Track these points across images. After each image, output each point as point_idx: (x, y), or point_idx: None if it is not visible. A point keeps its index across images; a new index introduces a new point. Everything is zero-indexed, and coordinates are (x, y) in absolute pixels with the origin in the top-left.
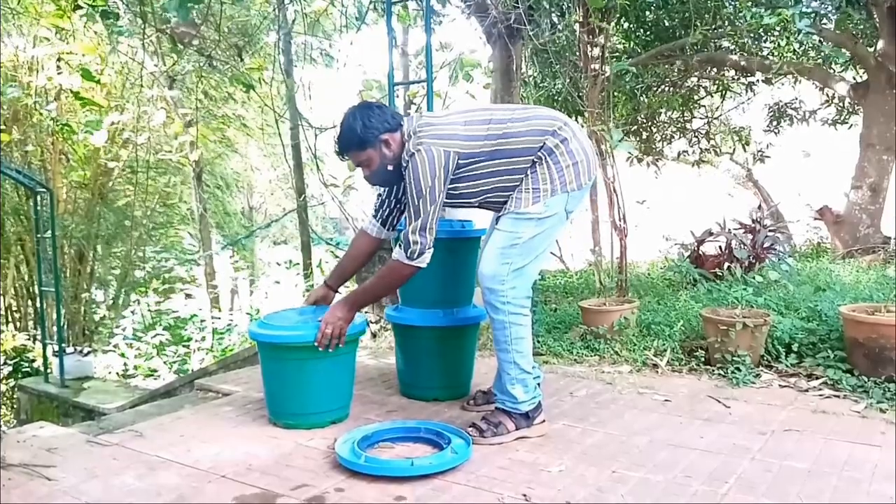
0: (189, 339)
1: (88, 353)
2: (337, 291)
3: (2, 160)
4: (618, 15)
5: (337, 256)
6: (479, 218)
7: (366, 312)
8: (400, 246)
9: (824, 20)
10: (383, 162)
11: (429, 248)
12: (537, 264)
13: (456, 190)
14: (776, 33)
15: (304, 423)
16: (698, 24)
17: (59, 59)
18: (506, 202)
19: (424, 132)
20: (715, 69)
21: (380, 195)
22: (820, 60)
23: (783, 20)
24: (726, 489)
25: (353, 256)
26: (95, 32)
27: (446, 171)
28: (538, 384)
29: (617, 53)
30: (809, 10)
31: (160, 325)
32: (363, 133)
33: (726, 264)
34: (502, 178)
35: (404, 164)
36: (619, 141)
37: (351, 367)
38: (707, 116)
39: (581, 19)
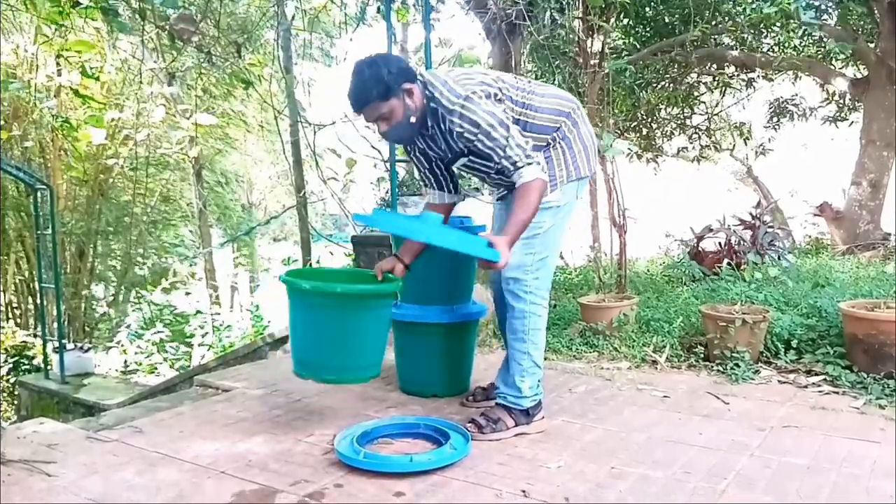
0: (191, 336)
1: (89, 349)
2: (407, 267)
3: (2, 157)
4: (617, 11)
5: (332, 253)
6: (479, 214)
7: None
8: (527, 167)
9: (825, 16)
10: (407, 113)
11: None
12: (556, 257)
13: (482, 156)
14: (777, 29)
15: (346, 377)
16: (698, 21)
17: (58, 56)
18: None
19: (465, 80)
20: (715, 65)
21: (425, 169)
22: (821, 56)
23: (783, 10)
24: (725, 485)
25: None
26: (96, 29)
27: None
28: (538, 381)
29: (617, 50)
30: (811, 3)
31: (160, 321)
32: (389, 79)
33: (726, 260)
34: None
35: (452, 116)
36: (610, 145)
37: (388, 321)
38: (707, 113)
39: (580, 16)
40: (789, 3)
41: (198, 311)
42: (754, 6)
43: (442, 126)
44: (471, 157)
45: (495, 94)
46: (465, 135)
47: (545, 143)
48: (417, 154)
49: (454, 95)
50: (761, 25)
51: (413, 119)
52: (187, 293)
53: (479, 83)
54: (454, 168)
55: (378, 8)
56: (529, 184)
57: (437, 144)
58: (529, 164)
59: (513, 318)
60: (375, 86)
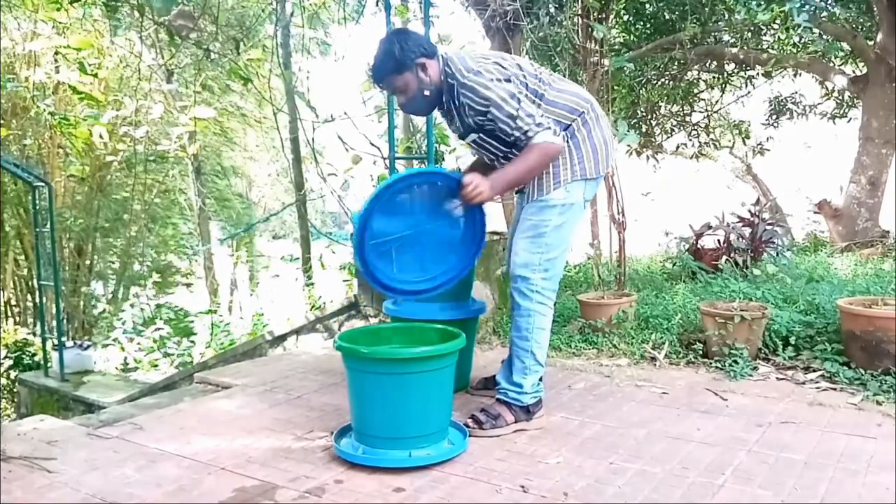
0: (191, 333)
1: (88, 346)
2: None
3: (0, 154)
4: (616, 9)
5: (335, 252)
6: (491, 213)
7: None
8: (541, 131)
9: (823, 13)
10: (420, 87)
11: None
12: (564, 256)
13: (491, 135)
14: (776, 26)
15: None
16: (697, 18)
17: (56, 53)
18: None
19: (480, 59)
20: (714, 62)
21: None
22: (819, 54)
23: (776, 17)
24: (723, 480)
25: None
26: (93, 25)
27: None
28: (540, 378)
29: (616, 46)
30: (808, 4)
31: (160, 318)
32: (400, 55)
33: (724, 257)
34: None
35: (464, 90)
36: (625, 133)
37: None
38: (707, 110)
39: (579, 13)
40: (782, 11)
41: (208, 311)
42: (748, 10)
43: (456, 101)
44: (481, 133)
45: (506, 77)
46: (476, 107)
47: None
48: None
49: (466, 69)
50: (759, 24)
51: (427, 92)
52: (188, 285)
53: (494, 63)
54: (467, 143)
55: (377, 2)
56: (536, 144)
57: (452, 120)
58: (540, 130)
59: (518, 315)
60: (390, 59)
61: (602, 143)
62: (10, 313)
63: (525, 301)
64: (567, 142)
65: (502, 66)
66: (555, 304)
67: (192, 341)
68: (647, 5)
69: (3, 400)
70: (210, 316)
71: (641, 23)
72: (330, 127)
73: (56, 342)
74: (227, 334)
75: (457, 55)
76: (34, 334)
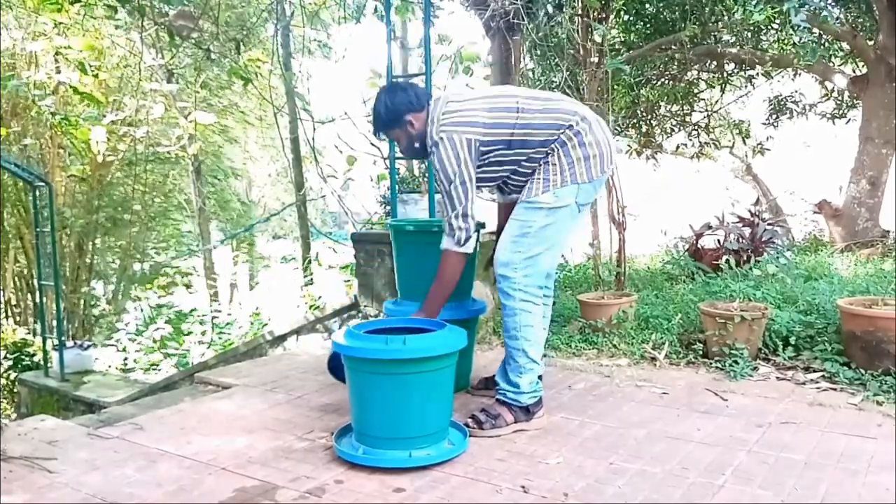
0: (190, 333)
1: (88, 346)
2: None
3: (1, 154)
4: (616, 9)
5: (336, 251)
6: (482, 213)
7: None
8: (446, 234)
9: (824, 12)
10: (410, 140)
11: (473, 233)
12: (552, 255)
13: (477, 172)
14: (776, 27)
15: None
16: (695, 18)
17: (56, 54)
18: (524, 184)
19: (446, 119)
20: (714, 62)
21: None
22: (812, 60)
23: (772, 17)
24: (723, 480)
25: None
26: (94, 26)
27: (471, 156)
28: (539, 378)
29: (616, 46)
30: (807, 4)
31: (161, 318)
32: (387, 116)
33: (724, 258)
34: (519, 166)
35: (431, 151)
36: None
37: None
38: (707, 110)
39: (579, 13)
40: (778, 12)
41: (193, 310)
42: (745, 10)
43: None
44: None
45: (459, 143)
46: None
47: (544, 153)
48: None
49: (434, 132)
50: (759, 24)
51: (417, 144)
52: (187, 286)
53: (456, 125)
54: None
55: (375, 7)
56: (443, 256)
57: None
58: (449, 232)
59: (505, 315)
60: (379, 119)
61: (596, 148)
62: (10, 313)
63: (509, 300)
64: (557, 150)
65: (471, 125)
66: (553, 303)
67: (191, 341)
68: (647, 5)
69: (4, 400)
70: (210, 316)
71: (641, 23)
72: (330, 127)
73: (56, 342)
74: (227, 334)
75: (439, 104)
76: (34, 334)
